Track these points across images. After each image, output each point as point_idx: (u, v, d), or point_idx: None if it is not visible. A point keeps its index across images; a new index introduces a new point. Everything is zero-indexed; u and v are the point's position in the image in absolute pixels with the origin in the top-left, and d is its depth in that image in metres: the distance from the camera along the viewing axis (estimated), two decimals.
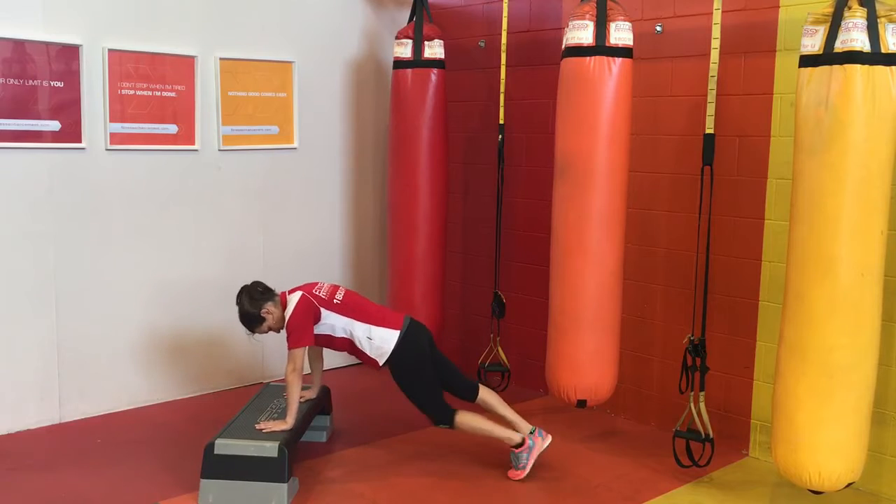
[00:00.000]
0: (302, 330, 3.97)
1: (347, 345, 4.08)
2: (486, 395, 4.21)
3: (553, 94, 4.31)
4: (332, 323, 4.04)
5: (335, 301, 4.06)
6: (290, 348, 3.97)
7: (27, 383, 4.60)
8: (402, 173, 5.30)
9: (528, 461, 4.05)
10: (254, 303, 4.05)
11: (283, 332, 4.07)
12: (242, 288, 4.13)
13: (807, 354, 3.38)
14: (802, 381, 3.40)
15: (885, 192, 3.31)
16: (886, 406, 3.90)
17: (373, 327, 4.03)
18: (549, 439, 4.12)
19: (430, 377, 4.09)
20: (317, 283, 4.17)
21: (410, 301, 5.24)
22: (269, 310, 4.06)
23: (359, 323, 4.03)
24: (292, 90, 5.48)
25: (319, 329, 4.05)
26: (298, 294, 4.04)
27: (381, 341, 4.02)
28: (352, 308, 4.07)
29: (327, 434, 4.55)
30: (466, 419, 4.05)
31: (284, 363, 4.01)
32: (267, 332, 4.16)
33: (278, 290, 4.14)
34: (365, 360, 4.09)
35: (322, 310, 4.02)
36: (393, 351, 4.01)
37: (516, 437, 4.05)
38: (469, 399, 4.19)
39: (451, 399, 4.15)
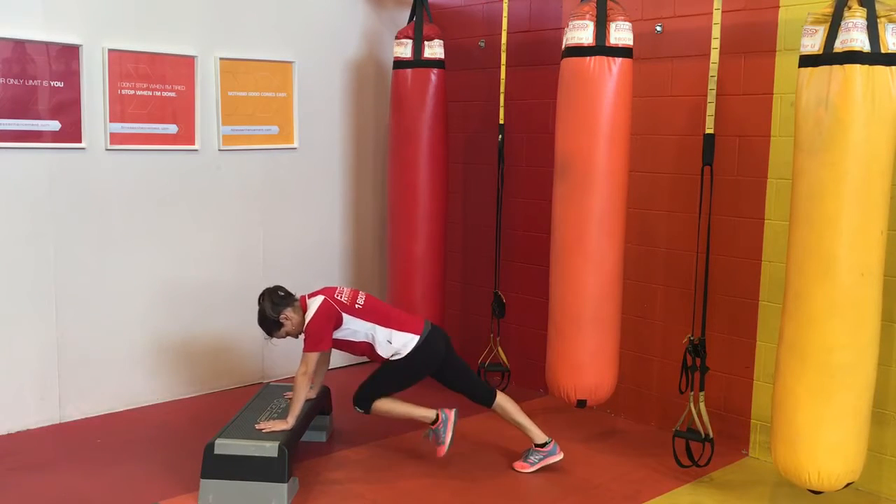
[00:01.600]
0: (321, 335, 3.97)
1: (368, 349, 4.09)
2: (503, 401, 4.18)
3: (553, 94, 4.31)
4: (355, 328, 4.05)
5: (356, 306, 4.07)
6: (305, 351, 3.97)
7: (27, 383, 4.60)
8: (402, 173, 5.30)
9: (538, 464, 4.10)
10: (274, 308, 4.04)
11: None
12: (264, 291, 4.11)
13: (807, 354, 3.38)
14: (802, 380, 3.40)
15: (885, 192, 3.31)
16: (886, 406, 3.90)
17: (394, 332, 4.05)
18: (561, 455, 4.14)
19: (405, 385, 4.15)
20: (337, 288, 4.17)
21: (410, 301, 5.24)
22: (288, 315, 4.05)
23: (381, 327, 4.05)
24: (292, 90, 5.48)
25: (340, 334, 4.05)
26: (320, 298, 4.03)
27: (399, 345, 4.04)
28: (373, 313, 4.08)
29: (327, 434, 4.55)
30: (382, 405, 4.09)
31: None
32: (285, 338, 4.16)
33: (297, 294, 4.14)
34: (378, 360, 4.12)
35: (344, 315, 4.03)
36: (409, 353, 4.04)
37: (431, 415, 4.07)
38: (485, 404, 4.17)
39: (457, 400, 4.18)
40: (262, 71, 5.34)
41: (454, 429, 4.07)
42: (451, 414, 4.09)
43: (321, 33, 5.61)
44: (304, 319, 4.01)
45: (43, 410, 4.66)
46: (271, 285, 4.16)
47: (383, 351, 4.05)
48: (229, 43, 5.18)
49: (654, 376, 4.79)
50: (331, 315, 4.00)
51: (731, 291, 4.41)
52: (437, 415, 4.08)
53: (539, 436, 4.14)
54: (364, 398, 4.11)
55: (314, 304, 4.01)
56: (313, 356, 3.97)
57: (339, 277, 5.78)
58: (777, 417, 3.51)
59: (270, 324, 4.07)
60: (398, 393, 4.16)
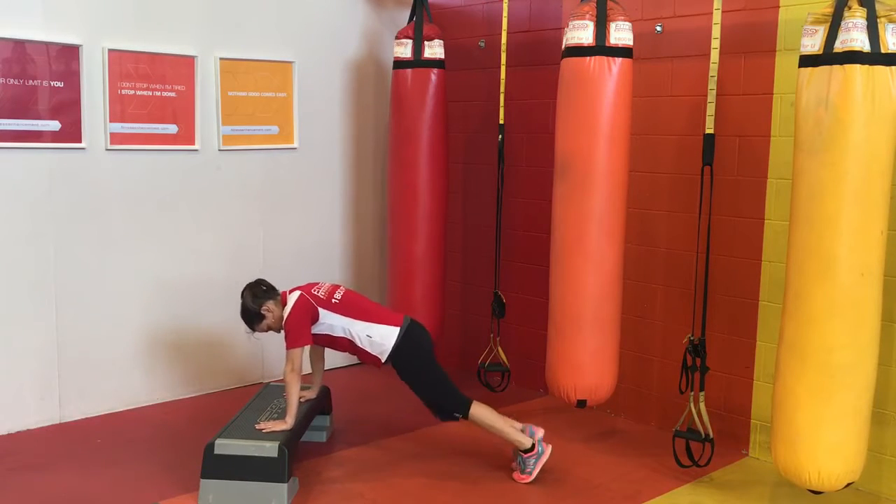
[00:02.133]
0: (299, 330, 3.97)
1: (348, 344, 4.08)
2: (478, 411, 4.06)
3: (553, 94, 4.31)
4: (331, 323, 4.03)
5: (333, 300, 4.06)
6: (287, 348, 3.97)
7: (27, 383, 4.60)
8: (402, 173, 5.30)
9: (535, 468, 4.04)
10: (255, 300, 4.05)
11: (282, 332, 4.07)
12: (246, 285, 4.13)
13: (807, 354, 3.38)
14: (802, 380, 3.40)
15: (885, 192, 3.31)
16: (886, 406, 3.90)
17: (372, 325, 4.03)
18: (549, 449, 4.09)
19: (437, 369, 4.08)
20: (316, 283, 4.17)
21: (410, 301, 5.23)
22: (270, 308, 4.06)
23: (357, 322, 4.03)
24: (292, 90, 5.48)
25: (318, 329, 4.04)
26: (297, 294, 4.04)
27: (381, 339, 4.01)
28: (350, 307, 4.06)
29: (327, 434, 4.55)
30: (481, 412, 4.02)
31: (284, 363, 4.00)
32: (266, 332, 4.16)
33: (281, 290, 4.14)
34: (366, 358, 4.08)
35: (320, 310, 4.02)
36: (394, 347, 4.01)
37: (527, 443, 4.03)
38: (451, 418, 4.11)
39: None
40: (262, 71, 5.34)
41: (544, 464, 4.04)
42: (549, 449, 4.05)
43: (321, 33, 5.61)
44: (283, 314, 4.02)
45: (43, 410, 4.66)
46: (252, 280, 4.17)
47: (367, 347, 4.02)
48: (229, 43, 5.18)
49: (654, 376, 4.79)
50: (307, 309, 3.99)
51: (731, 291, 4.40)
52: (534, 445, 4.02)
53: (524, 441, 4.04)
54: (452, 407, 4.01)
55: (291, 300, 4.01)
56: (297, 352, 3.96)
57: (339, 277, 5.77)
58: (777, 417, 3.51)
59: (252, 315, 4.07)
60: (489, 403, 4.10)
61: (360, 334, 4.02)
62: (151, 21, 4.86)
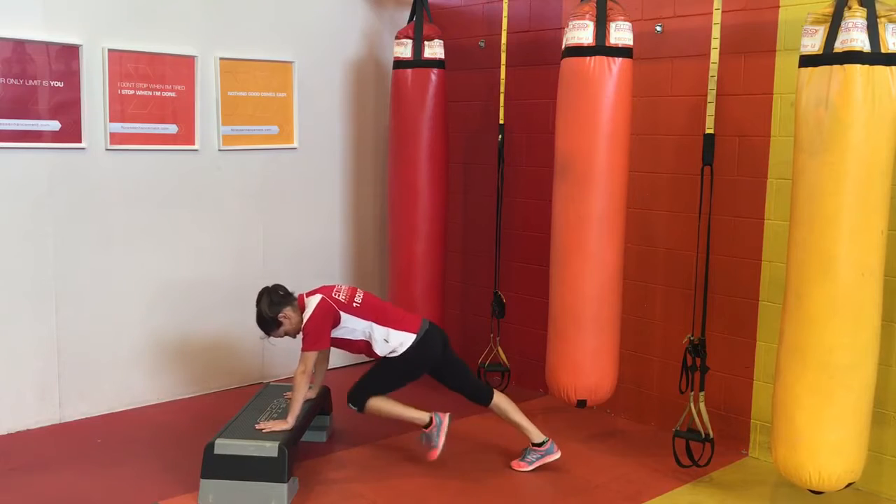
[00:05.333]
0: (319, 333, 3.96)
1: (365, 347, 4.09)
2: (500, 400, 4.18)
3: (553, 94, 4.31)
4: (353, 326, 4.03)
5: (354, 304, 4.06)
6: (303, 350, 3.96)
7: (27, 383, 4.60)
8: (402, 173, 5.30)
9: (536, 462, 4.11)
10: (272, 307, 4.03)
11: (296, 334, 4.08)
12: (263, 290, 4.10)
13: (807, 354, 3.38)
14: (802, 380, 3.40)
15: (885, 192, 3.31)
16: (886, 406, 3.90)
17: (391, 330, 4.04)
18: (558, 454, 4.15)
19: (401, 383, 4.13)
20: (335, 286, 4.16)
21: (410, 301, 5.23)
22: (287, 314, 4.04)
23: (378, 325, 4.04)
24: (292, 90, 5.48)
25: (338, 332, 4.04)
26: (318, 297, 4.02)
27: (396, 343, 4.03)
28: (371, 311, 4.07)
29: (327, 434, 4.55)
30: (375, 404, 4.07)
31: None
32: (283, 337, 4.15)
33: (297, 293, 4.13)
34: (375, 358, 4.12)
35: (342, 313, 4.02)
36: (404, 352, 4.04)
37: (425, 418, 4.06)
38: (482, 403, 4.17)
39: (456, 400, 4.19)
40: (262, 71, 5.34)
41: (447, 433, 4.07)
42: (445, 418, 4.08)
43: (321, 33, 5.61)
44: (302, 318, 4.01)
45: (43, 410, 4.66)
46: (271, 284, 4.15)
47: (380, 349, 4.05)
48: (229, 43, 5.18)
49: (654, 376, 4.80)
50: (328, 314, 3.99)
51: (731, 291, 4.40)
52: (431, 418, 4.07)
53: (536, 435, 4.15)
54: (358, 396, 4.10)
55: (312, 303, 4.00)
56: (311, 355, 3.96)
57: (339, 277, 5.78)
58: (777, 417, 3.52)
59: (269, 323, 4.06)
60: (393, 392, 4.15)
61: (379, 338, 4.04)
62: (151, 21, 4.86)
